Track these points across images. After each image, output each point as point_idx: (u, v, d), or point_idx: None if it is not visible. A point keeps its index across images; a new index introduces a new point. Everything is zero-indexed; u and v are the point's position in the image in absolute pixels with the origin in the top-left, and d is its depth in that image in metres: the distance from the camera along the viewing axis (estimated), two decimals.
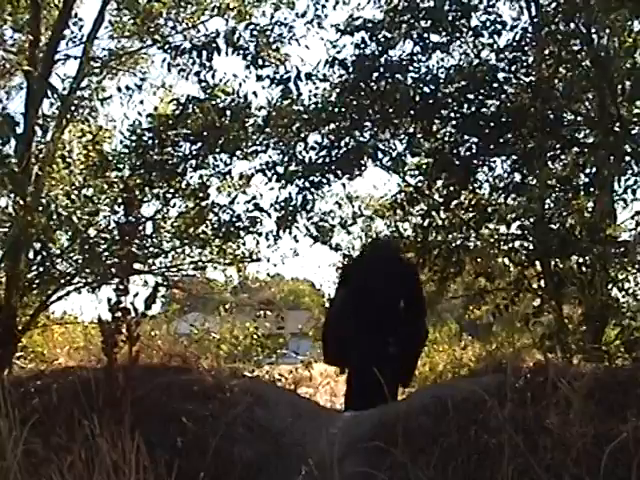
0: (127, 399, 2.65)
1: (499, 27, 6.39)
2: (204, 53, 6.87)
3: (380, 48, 6.34)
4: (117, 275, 3.05)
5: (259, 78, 6.85)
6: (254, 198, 7.43)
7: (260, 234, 7.40)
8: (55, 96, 7.67)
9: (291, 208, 6.61)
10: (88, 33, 8.64)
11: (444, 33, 6.32)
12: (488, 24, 6.38)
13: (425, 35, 6.33)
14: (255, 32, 7.09)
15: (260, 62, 6.91)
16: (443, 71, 6.45)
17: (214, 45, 6.82)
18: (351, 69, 6.35)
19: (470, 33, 6.42)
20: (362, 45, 6.36)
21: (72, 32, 8.67)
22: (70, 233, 7.51)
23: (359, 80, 6.34)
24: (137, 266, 7.97)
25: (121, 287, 2.92)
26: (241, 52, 6.90)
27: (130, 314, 2.90)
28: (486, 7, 6.45)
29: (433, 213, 6.85)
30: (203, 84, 7.15)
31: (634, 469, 2.42)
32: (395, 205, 7.03)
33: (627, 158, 6.09)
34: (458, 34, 6.38)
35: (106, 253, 7.08)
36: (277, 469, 2.82)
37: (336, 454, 2.73)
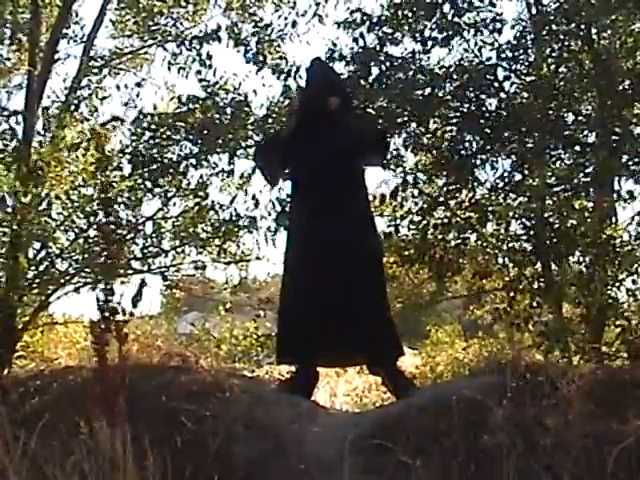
0: (121, 398, 2.65)
1: (499, 25, 6.41)
2: (205, 46, 6.89)
3: (380, 43, 6.36)
4: (102, 276, 3.05)
5: (260, 69, 6.87)
6: (254, 197, 7.43)
7: (258, 231, 7.40)
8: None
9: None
10: (89, 32, 8.66)
11: (444, 32, 6.34)
12: (488, 22, 6.39)
13: (425, 32, 6.35)
14: (257, 28, 7.11)
15: (261, 58, 6.93)
16: (443, 69, 6.46)
17: (215, 36, 6.85)
18: (351, 63, 6.37)
19: (471, 31, 6.44)
20: (360, 39, 6.37)
21: (73, 31, 8.68)
22: (70, 233, 7.52)
23: (358, 76, 6.35)
24: (137, 266, 7.98)
25: (107, 287, 2.92)
26: (242, 48, 6.92)
27: (117, 313, 2.91)
28: (487, 5, 6.47)
29: (432, 212, 6.86)
30: (203, 83, 7.16)
31: (636, 470, 2.43)
32: (392, 200, 7.01)
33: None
34: (458, 31, 6.39)
35: (105, 253, 7.08)
36: (277, 469, 2.82)
37: (336, 454, 2.73)
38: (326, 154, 3.95)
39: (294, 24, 7.32)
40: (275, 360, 4.34)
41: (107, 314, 2.88)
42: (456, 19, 6.35)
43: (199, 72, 7.16)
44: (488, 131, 6.37)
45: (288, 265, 4.06)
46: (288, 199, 6.29)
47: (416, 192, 6.96)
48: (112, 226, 3.16)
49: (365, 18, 6.44)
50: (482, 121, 6.37)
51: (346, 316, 3.78)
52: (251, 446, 2.88)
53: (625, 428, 2.58)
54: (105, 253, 3.07)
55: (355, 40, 6.38)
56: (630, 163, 6.19)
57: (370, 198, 4.25)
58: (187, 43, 7.10)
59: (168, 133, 7.08)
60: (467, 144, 6.60)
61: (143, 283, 3.20)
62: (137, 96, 8.34)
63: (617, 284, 6.14)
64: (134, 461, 2.46)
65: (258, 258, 8.37)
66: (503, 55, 6.45)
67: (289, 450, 2.89)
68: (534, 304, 6.50)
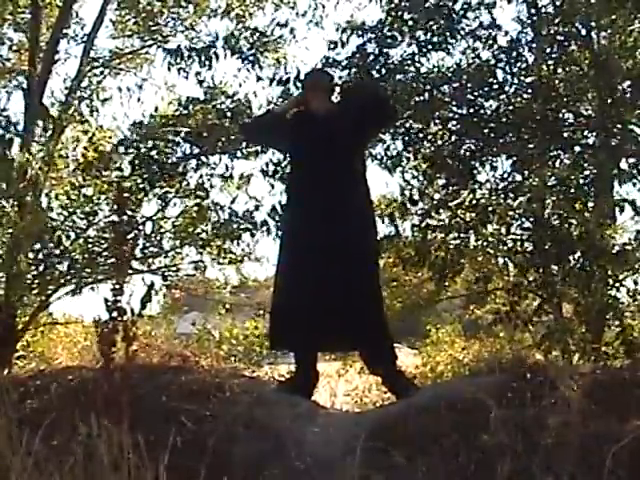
0: (125, 399, 2.65)
1: (496, 32, 6.43)
2: (203, 55, 6.91)
3: (379, 48, 6.36)
4: (113, 275, 3.03)
5: (259, 79, 6.90)
6: (255, 199, 7.45)
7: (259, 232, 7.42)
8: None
9: None
10: (89, 32, 8.66)
11: (441, 37, 6.35)
12: (485, 27, 6.41)
13: (424, 35, 6.35)
14: (254, 35, 7.13)
15: (260, 64, 6.95)
16: (443, 71, 6.47)
17: (213, 51, 6.88)
18: (349, 69, 6.37)
19: (469, 35, 6.45)
20: (357, 52, 6.38)
21: (73, 31, 8.70)
22: (70, 233, 7.52)
23: (358, 79, 6.36)
24: (137, 265, 7.99)
25: (117, 287, 2.91)
26: (241, 55, 6.94)
27: (126, 313, 2.90)
28: (487, 6, 6.48)
29: (433, 213, 6.86)
30: (204, 84, 7.17)
31: (635, 469, 2.43)
32: (395, 205, 7.03)
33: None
34: (455, 37, 6.41)
35: (106, 253, 7.10)
36: (277, 469, 2.82)
37: (336, 454, 2.73)
38: (324, 140, 3.88)
39: (292, 30, 7.35)
40: (269, 347, 4.33)
41: (115, 314, 2.87)
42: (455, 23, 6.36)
43: (198, 73, 7.18)
44: (488, 133, 6.38)
45: (282, 257, 4.06)
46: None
47: (416, 194, 6.96)
48: (126, 226, 3.14)
49: (358, 30, 6.42)
50: (482, 123, 6.37)
51: (338, 309, 3.77)
52: (251, 446, 2.88)
53: (625, 428, 2.58)
54: (118, 252, 3.04)
55: (353, 53, 6.39)
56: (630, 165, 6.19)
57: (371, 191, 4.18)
58: (186, 50, 7.10)
59: (168, 134, 7.10)
60: (467, 146, 6.61)
61: (152, 285, 3.19)
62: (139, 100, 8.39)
63: (617, 284, 6.14)
64: (134, 461, 2.46)
65: (257, 259, 8.38)
66: (501, 57, 6.46)
67: (289, 450, 2.89)
68: (534, 304, 6.50)
